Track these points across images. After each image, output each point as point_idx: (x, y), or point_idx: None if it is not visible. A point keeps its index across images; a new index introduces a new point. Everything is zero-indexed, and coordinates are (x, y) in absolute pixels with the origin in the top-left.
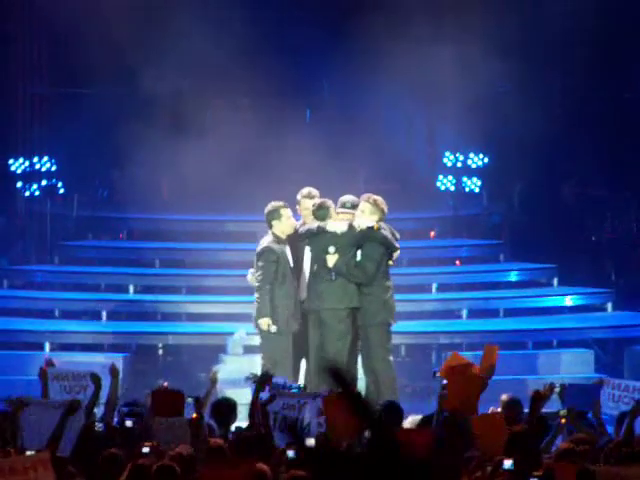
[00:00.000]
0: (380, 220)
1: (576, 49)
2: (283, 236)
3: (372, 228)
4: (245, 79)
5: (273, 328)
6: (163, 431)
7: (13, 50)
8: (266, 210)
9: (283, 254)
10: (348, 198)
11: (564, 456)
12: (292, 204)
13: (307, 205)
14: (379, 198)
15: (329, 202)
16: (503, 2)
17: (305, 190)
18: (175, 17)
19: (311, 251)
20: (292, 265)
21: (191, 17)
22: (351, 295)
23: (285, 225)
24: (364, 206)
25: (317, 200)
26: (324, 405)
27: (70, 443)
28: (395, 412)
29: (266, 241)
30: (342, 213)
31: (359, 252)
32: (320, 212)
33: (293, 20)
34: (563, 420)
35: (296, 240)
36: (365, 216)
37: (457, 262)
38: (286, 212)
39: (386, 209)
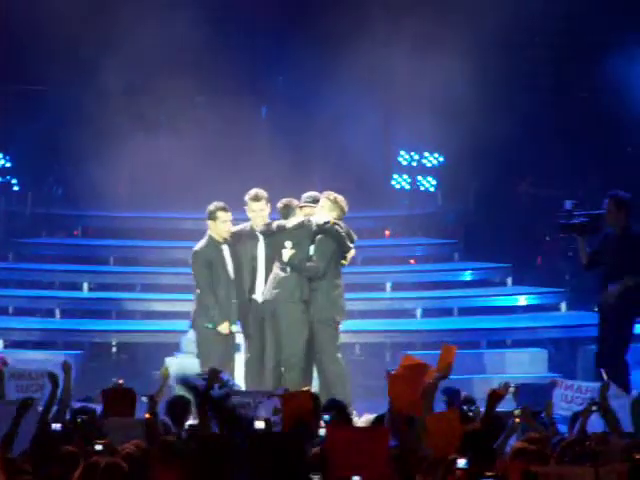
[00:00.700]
0: (339, 218)
1: (536, 49)
2: (218, 238)
3: (327, 222)
4: (200, 76)
5: (234, 328)
6: (117, 429)
7: None
8: (207, 210)
9: (217, 257)
10: (310, 193)
11: (517, 455)
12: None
13: (254, 207)
14: (339, 196)
15: (295, 202)
16: (460, 2)
17: (252, 192)
18: (129, 13)
19: (270, 247)
20: (230, 267)
21: (145, 12)
22: (303, 288)
23: (219, 228)
24: (324, 202)
25: (285, 200)
26: (281, 403)
27: (24, 442)
28: (338, 410)
29: (199, 244)
30: (305, 206)
31: (312, 247)
32: (286, 211)
33: (248, 16)
34: (517, 419)
35: (236, 242)
36: (324, 212)
37: (412, 261)
38: (223, 215)
39: (346, 208)
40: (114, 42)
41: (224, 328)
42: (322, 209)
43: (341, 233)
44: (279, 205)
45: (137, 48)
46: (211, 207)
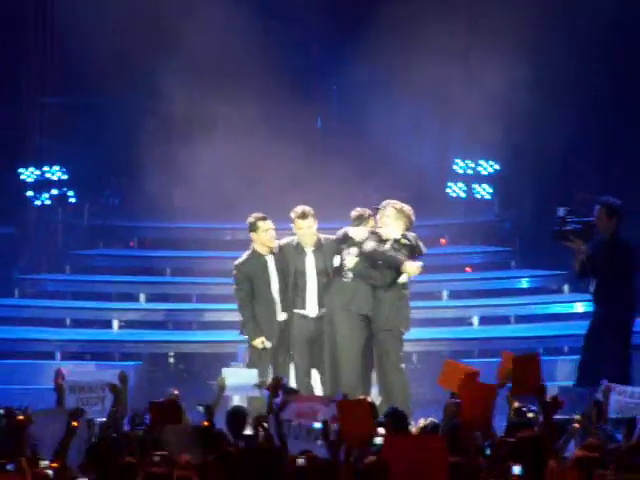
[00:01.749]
0: (406, 228)
1: (594, 53)
2: (262, 250)
3: (398, 241)
4: (255, 87)
5: (268, 344)
6: (173, 438)
7: (24, 59)
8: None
9: (259, 270)
10: (358, 212)
11: (579, 463)
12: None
13: (301, 225)
14: (405, 205)
15: (368, 211)
16: (516, 8)
17: (299, 209)
18: (182, 25)
19: (325, 258)
20: (274, 281)
21: (200, 22)
22: (361, 300)
23: (262, 238)
24: (390, 211)
25: (359, 210)
26: (338, 410)
27: (78, 452)
28: (398, 418)
29: (241, 257)
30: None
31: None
32: (358, 221)
33: (304, 27)
34: (577, 425)
35: (282, 256)
36: (390, 221)
37: (468, 269)
38: (263, 224)
39: (413, 217)
40: (168, 54)
41: (258, 343)
42: (388, 218)
43: (412, 247)
44: (353, 214)
45: (190, 60)
46: (250, 219)
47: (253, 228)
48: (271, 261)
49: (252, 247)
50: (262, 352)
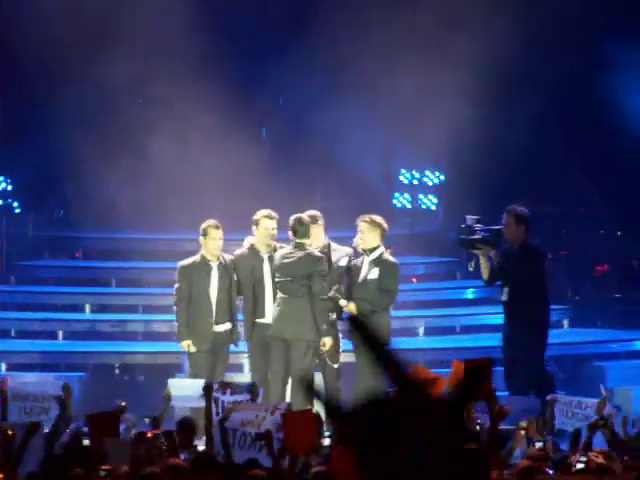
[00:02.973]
0: (382, 237)
1: (543, 64)
2: (208, 256)
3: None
4: (198, 96)
5: (193, 348)
6: (112, 451)
7: None
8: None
9: (201, 275)
10: (308, 213)
11: (524, 474)
12: (248, 221)
13: (267, 225)
14: (374, 216)
15: (307, 218)
16: (461, 21)
17: (266, 211)
18: (121, 31)
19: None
20: (213, 288)
21: (138, 29)
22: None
23: (209, 245)
24: (362, 226)
25: (300, 216)
26: (282, 422)
27: (29, 465)
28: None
29: (186, 259)
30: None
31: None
32: (301, 228)
33: (248, 33)
34: (522, 432)
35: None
36: (367, 236)
37: (413, 280)
38: (214, 232)
39: (385, 224)
40: (108, 62)
41: (184, 345)
42: (363, 234)
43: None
44: (291, 221)
45: (131, 67)
46: (204, 224)
47: (204, 233)
48: (215, 269)
49: (200, 252)
50: (200, 361)
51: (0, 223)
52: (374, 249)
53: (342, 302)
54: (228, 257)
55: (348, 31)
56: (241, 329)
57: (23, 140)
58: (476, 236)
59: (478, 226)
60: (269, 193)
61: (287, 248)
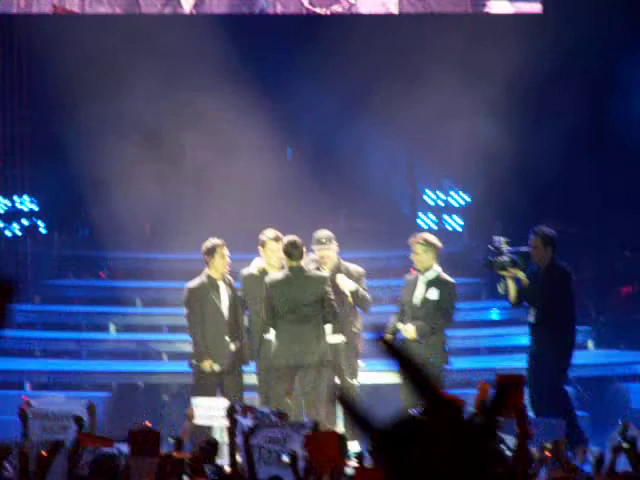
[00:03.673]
0: (437, 256)
1: (568, 84)
2: (215, 274)
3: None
4: (223, 117)
5: (216, 367)
6: (140, 470)
7: None
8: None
9: (213, 293)
10: (323, 233)
11: None
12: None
13: (273, 247)
14: (425, 234)
15: (300, 240)
16: (487, 39)
17: (272, 232)
18: (150, 53)
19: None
20: (225, 306)
21: (170, 54)
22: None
23: (218, 263)
24: (416, 248)
25: (294, 239)
26: (305, 443)
27: None
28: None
29: (193, 281)
30: (320, 250)
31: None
32: (296, 251)
33: (274, 56)
34: (548, 453)
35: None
36: (422, 258)
37: None
38: (221, 250)
39: (439, 242)
40: (137, 87)
41: (207, 365)
42: (418, 255)
43: None
44: (284, 244)
45: (160, 92)
46: (208, 243)
47: (211, 252)
48: (223, 287)
49: (205, 271)
50: (209, 378)
51: (25, 243)
52: (428, 269)
53: (399, 325)
54: (229, 276)
55: (371, 54)
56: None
57: (49, 160)
58: (504, 258)
59: (506, 248)
60: (293, 213)
61: (283, 273)
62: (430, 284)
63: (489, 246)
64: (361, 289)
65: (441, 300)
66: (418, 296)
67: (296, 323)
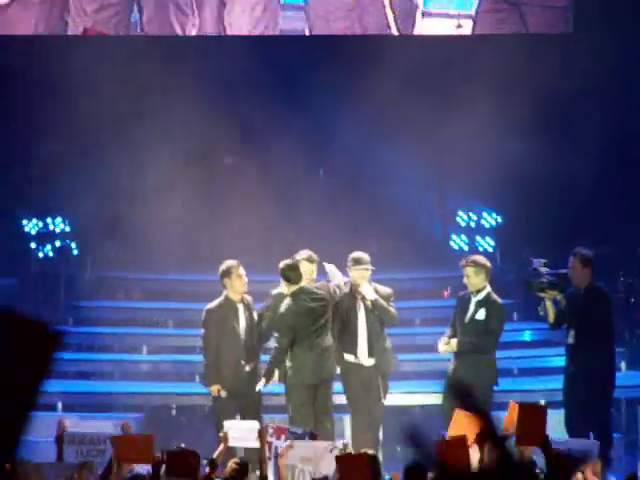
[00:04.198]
0: (488, 277)
1: (597, 103)
2: (234, 296)
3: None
4: (258, 139)
5: (223, 393)
6: None
7: (24, 108)
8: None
9: (230, 316)
10: (360, 255)
11: None
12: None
13: (306, 268)
14: (475, 257)
15: (296, 263)
16: (515, 64)
17: (306, 253)
18: (185, 73)
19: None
20: (242, 328)
21: (202, 78)
22: None
23: (235, 284)
24: (467, 270)
25: (289, 263)
26: (336, 464)
27: None
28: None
29: (212, 303)
30: (360, 270)
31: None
32: (293, 274)
33: (304, 75)
34: (580, 475)
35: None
36: (474, 281)
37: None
38: (237, 270)
39: (489, 263)
40: (160, 108)
41: (214, 390)
42: (469, 278)
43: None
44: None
45: (185, 112)
46: (223, 266)
47: (226, 274)
48: (241, 310)
49: (224, 293)
50: (224, 400)
51: (58, 264)
52: (481, 289)
53: (444, 339)
54: (247, 296)
55: (399, 76)
56: None
57: (81, 181)
58: (543, 279)
59: (545, 269)
60: (326, 235)
61: (286, 305)
62: (480, 304)
63: (529, 267)
64: (381, 300)
65: (487, 319)
66: (468, 315)
67: (317, 344)
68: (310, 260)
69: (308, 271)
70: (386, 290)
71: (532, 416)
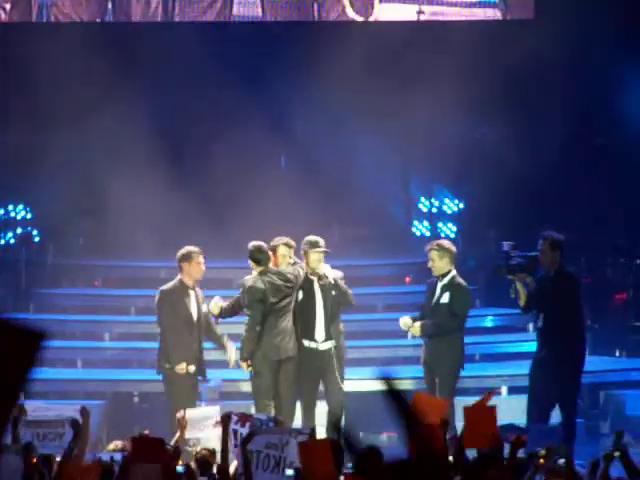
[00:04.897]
0: (452, 261)
1: (561, 89)
2: (189, 281)
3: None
4: (219, 125)
5: (191, 368)
6: (139, 477)
7: None
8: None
9: (184, 298)
10: (317, 238)
11: None
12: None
13: (284, 252)
14: (440, 241)
15: (265, 246)
16: (481, 49)
17: (285, 239)
18: (145, 60)
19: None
20: (194, 309)
21: (163, 64)
22: None
23: (194, 269)
24: (432, 254)
25: (259, 244)
26: (299, 451)
27: None
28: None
29: (167, 285)
30: (318, 252)
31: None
32: (262, 256)
33: (266, 62)
34: (542, 460)
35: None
36: (437, 264)
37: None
38: (197, 257)
39: (453, 247)
40: (130, 93)
41: (182, 368)
42: (434, 262)
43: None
44: (252, 248)
45: (153, 96)
46: (183, 250)
47: (186, 258)
48: (193, 295)
49: (178, 277)
50: (184, 382)
51: (20, 251)
52: (446, 274)
53: (409, 322)
54: (199, 290)
55: (362, 60)
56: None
57: (42, 169)
58: (513, 262)
59: (514, 252)
60: (287, 222)
61: (257, 276)
62: (444, 288)
63: (501, 250)
64: (340, 281)
65: (451, 303)
66: (434, 299)
67: (289, 318)
68: (288, 245)
69: (286, 255)
70: (338, 273)
71: (480, 417)
